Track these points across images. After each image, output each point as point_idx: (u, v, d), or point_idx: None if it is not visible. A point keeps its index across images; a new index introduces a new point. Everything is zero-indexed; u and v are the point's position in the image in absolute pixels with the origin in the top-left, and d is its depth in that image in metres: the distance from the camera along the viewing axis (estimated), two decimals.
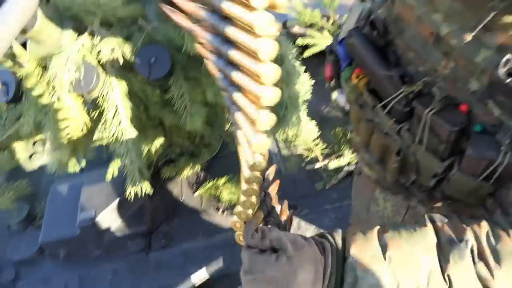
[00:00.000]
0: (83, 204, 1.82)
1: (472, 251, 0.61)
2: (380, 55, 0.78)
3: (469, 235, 0.62)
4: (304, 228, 1.73)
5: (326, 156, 1.80)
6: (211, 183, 1.92)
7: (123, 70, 1.41)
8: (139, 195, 1.76)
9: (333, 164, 1.76)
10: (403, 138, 0.80)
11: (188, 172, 1.99)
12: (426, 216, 0.67)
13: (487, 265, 0.60)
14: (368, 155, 0.94)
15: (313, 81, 1.65)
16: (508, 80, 0.59)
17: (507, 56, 0.59)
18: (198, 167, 1.97)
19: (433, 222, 0.66)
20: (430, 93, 0.72)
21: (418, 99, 0.73)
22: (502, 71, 0.60)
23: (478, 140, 0.68)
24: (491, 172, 0.67)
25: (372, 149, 0.91)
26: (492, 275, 0.59)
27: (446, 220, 0.66)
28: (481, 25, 0.60)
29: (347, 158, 1.76)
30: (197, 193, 1.96)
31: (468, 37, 0.63)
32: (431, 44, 0.69)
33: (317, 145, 1.77)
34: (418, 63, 0.73)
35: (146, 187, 1.59)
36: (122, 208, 1.82)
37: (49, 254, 1.85)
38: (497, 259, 0.60)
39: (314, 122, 1.64)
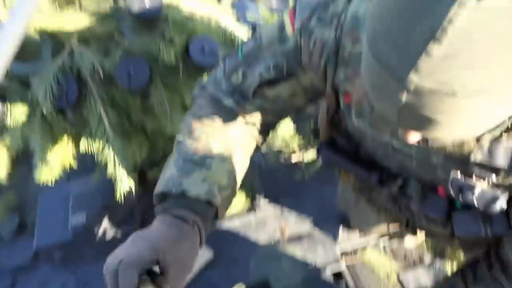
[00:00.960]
0: (74, 210, 1.89)
1: None
2: (354, 159, 0.86)
3: None
4: (287, 217, 1.84)
5: (303, 148, 1.90)
6: None
7: (104, 82, 1.48)
8: (127, 197, 1.84)
9: (310, 155, 1.87)
10: (403, 212, 0.91)
11: None
12: None
13: None
14: None
15: None
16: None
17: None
18: None
19: None
20: (409, 186, 0.80)
21: (401, 194, 0.81)
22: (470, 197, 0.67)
23: (459, 220, 0.76)
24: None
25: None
26: None
27: None
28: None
29: None
30: None
31: (415, 147, 0.70)
32: (391, 150, 0.76)
33: (293, 138, 1.87)
34: (388, 160, 0.81)
35: (134, 190, 1.67)
36: (113, 211, 1.90)
37: (44, 259, 1.91)
38: None
39: (289, 119, 1.74)
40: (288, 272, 1.69)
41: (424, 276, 1.67)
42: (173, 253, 0.64)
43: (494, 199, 0.66)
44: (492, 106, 0.44)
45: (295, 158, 1.89)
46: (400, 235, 1.63)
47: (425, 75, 0.42)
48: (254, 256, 1.76)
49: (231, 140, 0.80)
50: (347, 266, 1.70)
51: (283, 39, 0.74)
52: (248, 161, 0.86)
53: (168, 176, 0.74)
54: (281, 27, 0.75)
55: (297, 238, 1.78)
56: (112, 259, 0.64)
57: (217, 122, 0.80)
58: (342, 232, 1.78)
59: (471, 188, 0.66)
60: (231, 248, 1.79)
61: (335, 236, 1.77)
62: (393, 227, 1.46)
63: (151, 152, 2.03)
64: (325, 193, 1.87)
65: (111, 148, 1.56)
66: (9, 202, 2.18)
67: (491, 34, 0.40)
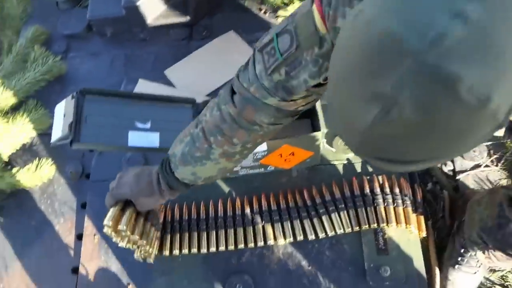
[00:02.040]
0: None
1: None
2: None
3: None
4: None
5: None
6: None
7: None
8: None
9: None
10: None
11: None
12: None
13: None
14: None
15: None
16: None
17: None
18: None
19: None
20: None
21: None
22: None
23: None
24: None
25: None
26: None
27: None
28: None
29: None
30: None
31: None
32: None
33: None
34: None
35: None
36: None
37: (96, 31, 1.93)
38: None
39: None
40: None
41: None
42: (141, 202, 1.04)
43: None
44: None
45: None
46: None
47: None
48: None
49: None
50: None
51: (321, 43, 0.73)
52: None
53: (175, 152, 0.97)
54: (314, 25, 0.72)
55: None
56: (113, 182, 1.06)
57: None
58: None
59: None
60: None
61: None
62: None
63: None
64: None
65: None
66: None
67: None
